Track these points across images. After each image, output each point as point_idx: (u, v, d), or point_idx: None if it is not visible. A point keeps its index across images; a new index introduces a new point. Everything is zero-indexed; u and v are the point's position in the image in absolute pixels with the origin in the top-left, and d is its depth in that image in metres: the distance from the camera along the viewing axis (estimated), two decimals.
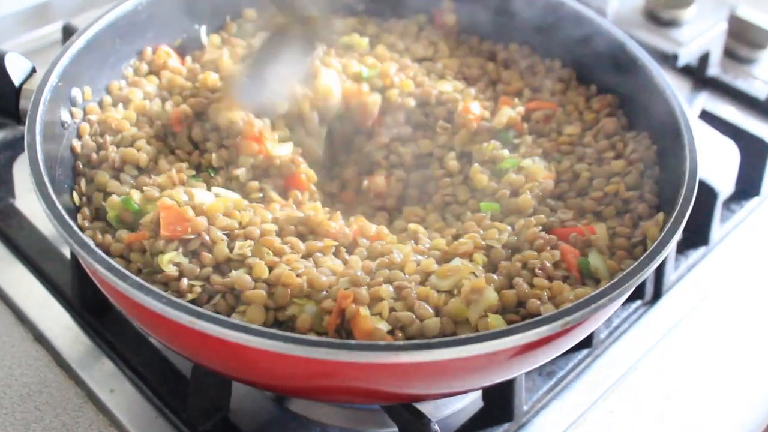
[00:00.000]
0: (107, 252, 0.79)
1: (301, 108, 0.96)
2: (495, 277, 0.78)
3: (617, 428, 0.89)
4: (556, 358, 0.86)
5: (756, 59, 1.35)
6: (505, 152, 0.93)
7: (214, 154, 0.91)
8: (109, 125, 0.90)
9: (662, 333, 0.98)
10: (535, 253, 0.80)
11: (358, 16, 1.10)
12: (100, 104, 0.93)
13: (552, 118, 0.98)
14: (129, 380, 0.89)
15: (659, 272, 1.01)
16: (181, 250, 0.78)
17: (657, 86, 0.92)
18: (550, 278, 0.79)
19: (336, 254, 0.82)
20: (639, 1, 1.32)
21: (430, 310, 0.75)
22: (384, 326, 0.73)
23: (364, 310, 0.74)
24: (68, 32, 1.20)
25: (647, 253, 0.75)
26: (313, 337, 0.70)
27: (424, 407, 0.81)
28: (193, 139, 0.92)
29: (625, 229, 0.84)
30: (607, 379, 0.93)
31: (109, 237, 0.81)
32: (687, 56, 1.27)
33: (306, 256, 0.80)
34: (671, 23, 1.29)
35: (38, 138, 0.80)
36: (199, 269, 0.78)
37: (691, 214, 0.79)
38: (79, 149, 0.88)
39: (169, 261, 0.78)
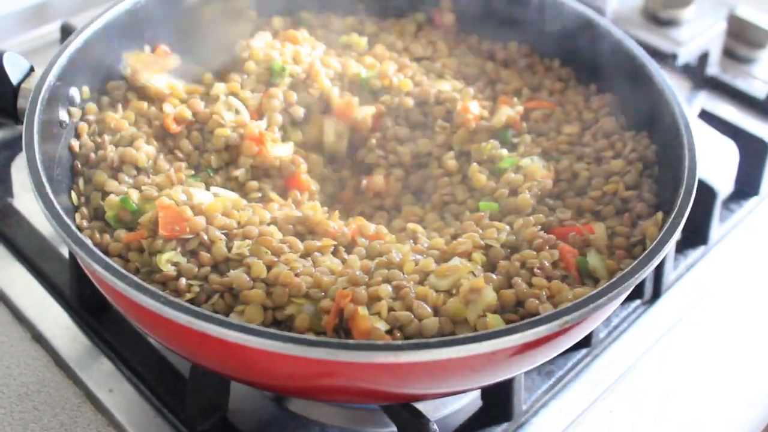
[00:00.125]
0: (105, 252, 0.79)
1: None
2: (494, 276, 0.78)
3: (616, 428, 0.89)
4: (555, 357, 0.86)
5: (755, 59, 1.35)
6: (504, 151, 0.93)
7: (213, 155, 0.91)
8: (108, 125, 0.89)
9: (661, 332, 0.98)
10: (534, 253, 0.80)
11: (357, 15, 1.10)
12: (99, 104, 0.92)
13: (551, 117, 0.98)
14: (127, 380, 0.89)
15: (658, 272, 1.01)
16: (179, 249, 0.78)
17: (656, 86, 0.92)
18: (549, 278, 0.78)
19: (335, 254, 0.82)
20: (638, 1, 1.32)
21: (429, 310, 0.75)
22: (382, 326, 0.73)
23: (362, 310, 0.73)
24: (66, 31, 1.20)
25: (646, 252, 0.75)
26: (311, 336, 0.70)
27: (423, 407, 0.81)
28: (192, 141, 0.92)
29: (624, 228, 0.84)
30: (606, 378, 0.93)
31: (107, 237, 0.81)
32: (686, 56, 1.27)
33: (304, 255, 0.80)
34: (670, 23, 1.29)
35: (36, 137, 0.80)
36: (197, 269, 0.78)
37: (690, 213, 0.79)
38: (77, 149, 0.87)
39: (168, 260, 0.78)
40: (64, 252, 1.00)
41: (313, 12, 1.08)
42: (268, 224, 0.82)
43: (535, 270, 0.79)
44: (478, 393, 0.90)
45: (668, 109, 0.89)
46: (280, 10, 1.07)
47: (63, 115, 0.87)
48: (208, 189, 0.86)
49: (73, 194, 0.84)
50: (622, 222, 0.85)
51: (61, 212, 0.74)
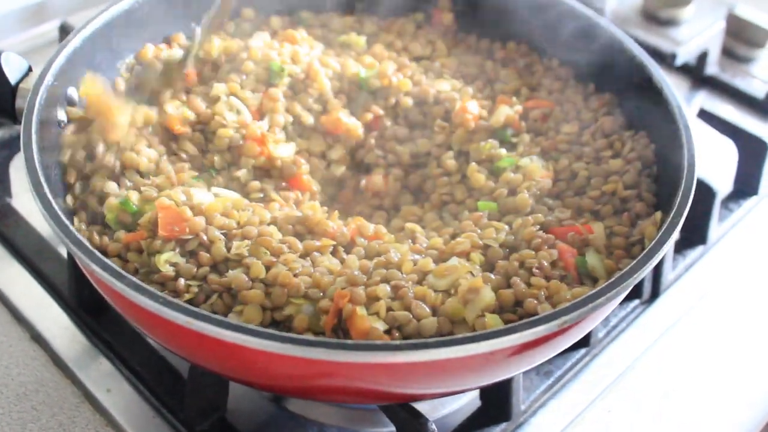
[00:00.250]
0: (104, 252, 0.79)
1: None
2: (492, 276, 0.78)
3: (615, 427, 0.89)
4: (554, 357, 0.86)
5: (754, 58, 1.35)
6: (503, 151, 0.93)
7: (216, 156, 0.91)
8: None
9: (660, 332, 0.98)
10: (533, 253, 0.80)
11: (356, 15, 1.10)
12: None
13: (550, 116, 0.98)
14: (126, 380, 0.89)
15: (657, 271, 1.00)
16: (178, 250, 0.78)
17: (655, 85, 0.92)
18: (548, 277, 0.78)
19: (334, 254, 0.82)
20: (637, 0, 1.32)
21: (427, 310, 0.75)
22: (381, 326, 0.73)
23: (361, 310, 0.73)
24: (65, 31, 1.20)
25: (645, 252, 0.75)
26: (310, 336, 0.70)
27: (422, 406, 0.81)
28: (194, 143, 0.92)
29: (622, 228, 0.84)
30: (604, 378, 0.93)
31: (106, 237, 0.81)
32: (685, 55, 1.27)
33: (304, 255, 0.80)
34: (669, 22, 1.29)
35: (34, 137, 0.80)
36: (196, 269, 0.78)
37: (689, 213, 0.79)
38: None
39: (166, 261, 0.77)
40: (63, 252, 0.99)
41: (312, 11, 1.08)
42: (268, 224, 0.82)
43: (534, 270, 0.78)
44: (476, 393, 0.90)
45: (667, 109, 0.89)
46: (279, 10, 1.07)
47: (61, 114, 0.87)
48: (209, 189, 0.86)
49: (69, 197, 0.84)
50: (621, 221, 0.85)
51: (60, 212, 0.74)
